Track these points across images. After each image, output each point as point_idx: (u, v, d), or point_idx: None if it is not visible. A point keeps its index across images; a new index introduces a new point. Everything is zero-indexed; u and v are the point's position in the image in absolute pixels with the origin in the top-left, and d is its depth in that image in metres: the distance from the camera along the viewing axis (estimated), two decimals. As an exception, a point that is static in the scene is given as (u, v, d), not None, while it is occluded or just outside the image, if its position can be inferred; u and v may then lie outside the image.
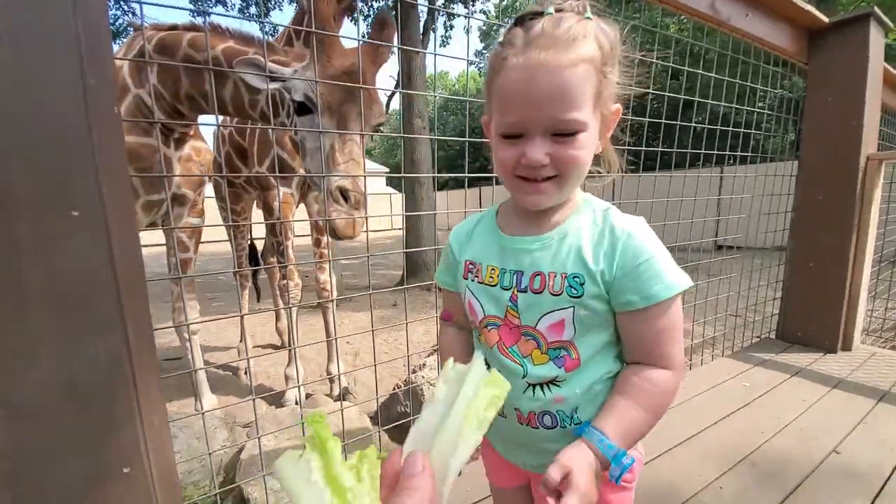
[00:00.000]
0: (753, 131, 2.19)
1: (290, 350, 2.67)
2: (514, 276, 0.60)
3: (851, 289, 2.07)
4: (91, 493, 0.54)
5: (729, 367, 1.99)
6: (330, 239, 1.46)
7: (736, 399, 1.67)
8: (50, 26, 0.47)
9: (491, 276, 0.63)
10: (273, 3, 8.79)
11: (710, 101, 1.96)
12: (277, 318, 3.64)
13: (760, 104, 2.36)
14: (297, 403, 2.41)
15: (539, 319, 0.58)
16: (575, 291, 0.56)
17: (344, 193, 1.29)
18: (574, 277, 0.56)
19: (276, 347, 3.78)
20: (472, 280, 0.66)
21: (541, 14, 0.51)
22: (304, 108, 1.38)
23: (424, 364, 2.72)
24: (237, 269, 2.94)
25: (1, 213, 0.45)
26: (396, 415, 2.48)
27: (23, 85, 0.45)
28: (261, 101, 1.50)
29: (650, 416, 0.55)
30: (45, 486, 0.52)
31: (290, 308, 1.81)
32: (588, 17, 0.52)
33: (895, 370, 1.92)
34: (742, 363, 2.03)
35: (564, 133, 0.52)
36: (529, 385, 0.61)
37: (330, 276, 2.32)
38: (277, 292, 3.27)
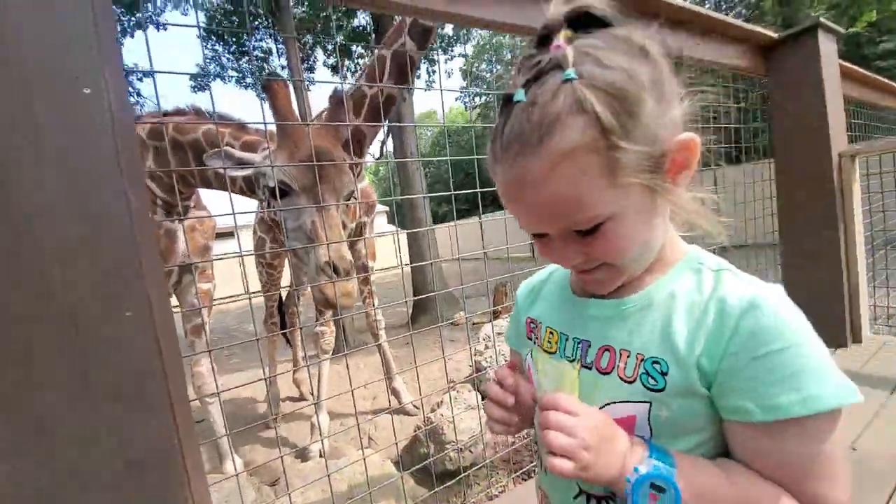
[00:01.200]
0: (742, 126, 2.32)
1: (316, 398, 2.77)
2: (580, 346, 0.48)
3: (850, 281, 2.11)
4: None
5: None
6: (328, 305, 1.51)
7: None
8: (97, 149, 0.58)
9: (549, 342, 0.52)
10: (267, 69, 9.38)
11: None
12: (296, 370, 3.69)
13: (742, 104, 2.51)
14: (321, 456, 2.44)
15: (602, 408, 0.44)
16: (654, 382, 0.42)
17: (334, 267, 1.37)
18: (654, 363, 0.42)
19: (294, 399, 3.80)
20: (534, 342, 0.56)
21: (511, 101, 0.41)
22: (281, 192, 1.48)
23: (442, 402, 2.74)
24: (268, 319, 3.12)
25: (70, 322, 0.55)
26: (420, 456, 2.48)
27: (78, 207, 0.56)
28: (238, 181, 1.63)
29: None
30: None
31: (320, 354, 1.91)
32: (568, 78, 0.37)
33: (908, 357, 1.94)
34: (754, 367, 2.05)
35: (584, 231, 0.41)
36: (582, 493, 0.47)
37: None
38: (298, 342, 3.39)
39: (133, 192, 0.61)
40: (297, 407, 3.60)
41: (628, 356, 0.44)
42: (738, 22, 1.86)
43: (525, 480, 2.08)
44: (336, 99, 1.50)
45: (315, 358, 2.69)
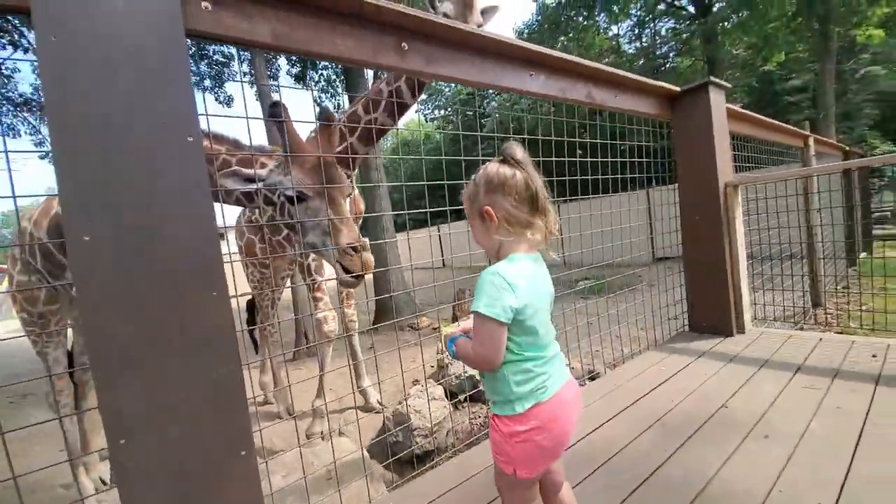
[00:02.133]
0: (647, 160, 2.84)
1: (320, 383, 3.06)
2: None
3: (734, 284, 2.66)
4: (222, 469, 0.87)
5: (652, 357, 2.48)
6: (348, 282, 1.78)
7: (655, 380, 2.13)
8: (199, 179, 0.85)
9: None
10: (227, 74, 9.28)
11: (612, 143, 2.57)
12: (262, 372, 3.80)
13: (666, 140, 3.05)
14: (322, 438, 2.71)
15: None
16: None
17: (353, 248, 1.65)
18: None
19: (259, 403, 3.90)
20: None
21: None
22: (298, 199, 1.75)
23: (409, 395, 3.03)
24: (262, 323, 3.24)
25: (174, 291, 0.82)
26: (390, 445, 2.74)
27: (189, 221, 0.83)
28: (235, 194, 1.87)
29: (462, 355, 0.94)
30: (194, 462, 0.84)
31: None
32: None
33: (776, 343, 2.49)
34: (662, 353, 2.53)
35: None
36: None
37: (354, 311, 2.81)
38: (268, 345, 3.55)
39: (211, 209, 0.89)
40: (263, 409, 3.72)
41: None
42: (648, 80, 2.36)
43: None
44: (327, 117, 1.79)
45: (306, 353, 2.92)
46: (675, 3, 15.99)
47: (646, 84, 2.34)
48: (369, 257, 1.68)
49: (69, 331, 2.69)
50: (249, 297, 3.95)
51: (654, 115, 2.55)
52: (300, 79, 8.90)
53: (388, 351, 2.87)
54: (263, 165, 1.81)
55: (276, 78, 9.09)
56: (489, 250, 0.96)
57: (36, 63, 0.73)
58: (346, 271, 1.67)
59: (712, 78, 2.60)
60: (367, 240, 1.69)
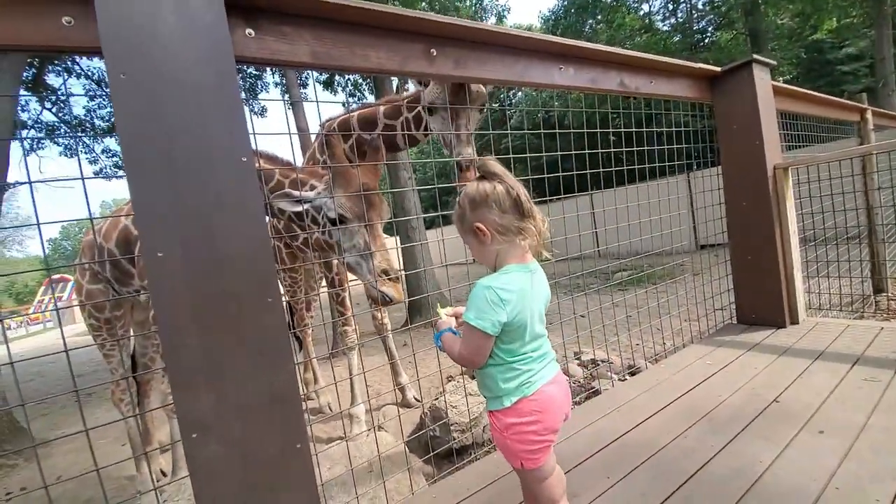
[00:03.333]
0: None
1: (352, 388, 3.16)
2: None
3: (786, 272, 2.52)
4: (281, 460, 0.94)
5: (697, 351, 2.40)
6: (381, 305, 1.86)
7: (700, 375, 2.06)
8: (253, 196, 0.91)
9: None
10: (260, 86, 9.65)
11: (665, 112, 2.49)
12: (305, 369, 3.97)
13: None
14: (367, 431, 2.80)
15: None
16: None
17: (387, 274, 1.74)
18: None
19: (302, 399, 4.09)
20: None
21: None
22: (336, 221, 1.83)
23: (445, 390, 3.08)
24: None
25: (235, 299, 0.88)
26: (427, 440, 2.81)
27: (245, 233, 0.90)
28: (287, 213, 1.96)
29: (447, 349, 1.02)
30: (257, 454, 0.91)
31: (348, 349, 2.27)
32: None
33: (832, 334, 2.35)
34: (708, 346, 2.44)
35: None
36: None
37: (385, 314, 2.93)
38: (309, 344, 3.72)
39: (264, 223, 0.95)
40: (306, 406, 3.90)
41: None
42: (684, 62, 2.26)
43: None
44: (374, 147, 1.87)
45: (342, 352, 3.09)
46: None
47: (681, 66, 2.25)
48: (399, 288, 1.76)
49: (132, 333, 2.93)
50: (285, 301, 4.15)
51: (694, 97, 2.45)
52: (328, 84, 9.12)
53: (424, 350, 2.93)
54: (313, 187, 1.90)
55: (305, 86, 9.37)
56: (487, 263, 1.01)
57: (88, 87, 0.81)
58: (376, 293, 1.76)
59: (756, 56, 2.45)
60: (401, 271, 1.76)
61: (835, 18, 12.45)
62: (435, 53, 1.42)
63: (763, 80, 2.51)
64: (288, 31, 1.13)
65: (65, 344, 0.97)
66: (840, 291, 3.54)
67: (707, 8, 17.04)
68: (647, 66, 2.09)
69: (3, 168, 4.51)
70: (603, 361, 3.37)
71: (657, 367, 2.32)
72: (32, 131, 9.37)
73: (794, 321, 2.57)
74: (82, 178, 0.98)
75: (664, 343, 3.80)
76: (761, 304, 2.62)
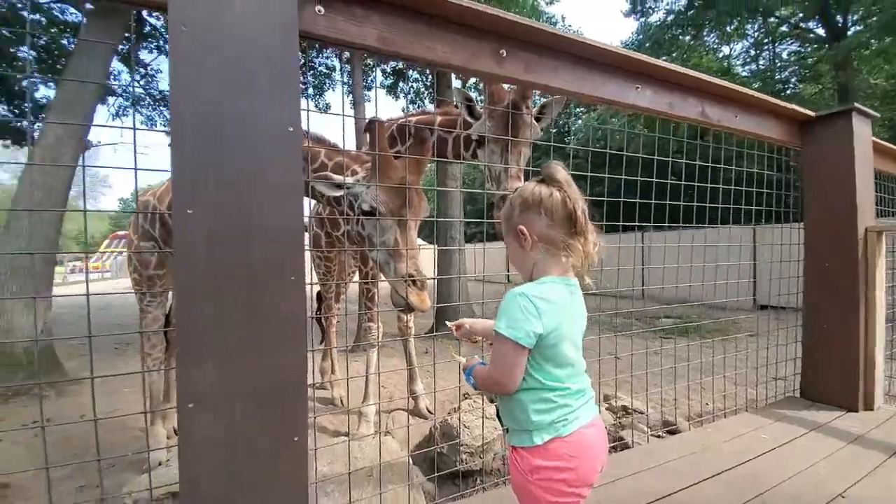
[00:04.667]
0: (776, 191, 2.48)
1: (366, 386, 3.09)
2: None
3: (867, 349, 2.19)
4: (274, 450, 0.86)
5: (751, 421, 2.12)
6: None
7: (754, 448, 1.81)
8: (296, 170, 0.86)
9: None
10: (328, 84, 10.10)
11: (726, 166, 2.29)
12: (324, 357, 3.96)
13: (786, 165, 2.65)
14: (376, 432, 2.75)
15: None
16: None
17: (413, 280, 1.62)
18: None
19: (316, 387, 4.06)
20: None
21: None
22: (369, 213, 1.75)
23: (459, 408, 2.93)
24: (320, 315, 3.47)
25: (255, 276, 0.83)
26: (433, 455, 2.67)
27: (275, 212, 0.84)
28: (327, 196, 1.94)
29: (479, 380, 0.92)
30: (250, 439, 0.84)
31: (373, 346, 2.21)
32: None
33: (917, 430, 2.00)
34: (764, 418, 2.15)
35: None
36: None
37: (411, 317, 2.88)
38: (332, 334, 3.72)
39: (301, 198, 0.89)
40: (316, 393, 3.88)
41: None
42: (776, 101, 2.06)
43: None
44: (421, 139, 1.81)
45: (362, 347, 3.04)
46: (801, 24, 14.26)
47: (772, 104, 2.05)
48: (424, 296, 1.65)
49: (170, 293, 3.03)
50: (318, 288, 4.18)
51: (780, 140, 2.22)
52: (392, 89, 9.39)
53: (447, 362, 2.81)
54: (354, 173, 1.87)
55: (369, 88, 9.71)
56: (523, 271, 0.93)
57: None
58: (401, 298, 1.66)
59: (857, 105, 2.20)
60: (433, 277, 1.68)
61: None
62: (504, 54, 1.34)
63: (862, 133, 2.25)
64: (358, 12, 1.09)
65: (87, 288, 0.96)
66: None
67: (793, 58, 16.09)
68: (734, 98, 1.92)
69: (84, 129, 4.90)
70: (636, 411, 3.09)
71: (702, 429, 2.07)
72: (120, 99, 10.27)
73: (869, 407, 2.22)
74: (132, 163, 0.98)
75: (708, 403, 3.45)
76: (832, 380, 2.30)
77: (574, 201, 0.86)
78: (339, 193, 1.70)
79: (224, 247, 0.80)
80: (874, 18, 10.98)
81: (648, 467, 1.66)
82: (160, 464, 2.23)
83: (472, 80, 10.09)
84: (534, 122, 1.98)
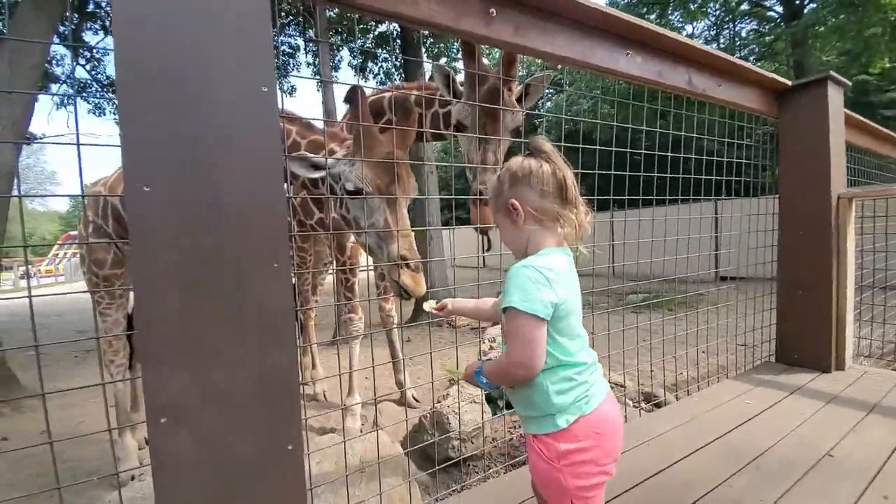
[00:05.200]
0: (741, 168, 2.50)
1: (350, 380, 2.99)
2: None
3: (838, 313, 2.28)
4: (266, 463, 0.76)
5: (733, 387, 2.18)
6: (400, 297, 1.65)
7: (741, 414, 1.85)
8: (261, 135, 0.74)
9: None
10: (292, 65, 9.57)
11: (698, 137, 2.27)
12: (303, 353, 3.82)
13: (747, 140, 2.66)
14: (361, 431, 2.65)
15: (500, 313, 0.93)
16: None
17: (406, 261, 1.51)
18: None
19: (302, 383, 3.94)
20: None
21: None
22: (355, 193, 1.60)
23: (448, 395, 2.89)
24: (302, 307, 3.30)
25: (230, 264, 0.71)
26: (422, 443, 2.62)
27: (252, 187, 0.72)
28: (302, 179, 1.78)
29: (494, 376, 0.86)
30: (238, 453, 0.74)
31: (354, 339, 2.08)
32: None
33: (885, 385, 2.11)
34: (745, 384, 2.21)
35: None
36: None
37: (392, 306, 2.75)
38: (311, 328, 3.57)
39: (280, 170, 0.77)
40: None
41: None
42: (756, 67, 2.05)
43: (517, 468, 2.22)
44: (406, 110, 1.63)
45: (344, 343, 2.90)
46: (762, 3, 14.67)
47: (754, 72, 2.04)
48: (420, 278, 1.54)
49: (131, 295, 2.80)
50: (294, 280, 4.00)
51: (759, 110, 2.23)
52: (361, 69, 9.02)
53: (430, 347, 2.75)
54: (332, 152, 1.71)
55: (337, 69, 9.29)
56: (517, 248, 0.90)
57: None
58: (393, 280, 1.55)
59: (832, 73, 2.23)
60: (420, 260, 1.55)
61: (886, 59, 11.96)
62: (494, 14, 1.24)
63: (836, 101, 2.29)
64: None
65: (29, 290, 0.81)
66: (883, 339, 3.27)
67: (752, 36, 16.59)
68: (719, 67, 1.89)
69: (25, 119, 4.42)
70: (617, 385, 3.15)
71: (689, 400, 2.10)
72: (64, 87, 9.40)
73: (840, 367, 2.33)
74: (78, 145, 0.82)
75: (682, 373, 3.56)
76: (806, 344, 2.39)
77: (563, 171, 0.85)
78: (317, 175, 1.54)
79: (190, 229, 0.67)
80: (825, -1, 11.42)
81: (643, 441, 1.66)
82: (133, 478, 2.07)
83: (445, 59, 9.82)
84: (516, 105, 1.86)
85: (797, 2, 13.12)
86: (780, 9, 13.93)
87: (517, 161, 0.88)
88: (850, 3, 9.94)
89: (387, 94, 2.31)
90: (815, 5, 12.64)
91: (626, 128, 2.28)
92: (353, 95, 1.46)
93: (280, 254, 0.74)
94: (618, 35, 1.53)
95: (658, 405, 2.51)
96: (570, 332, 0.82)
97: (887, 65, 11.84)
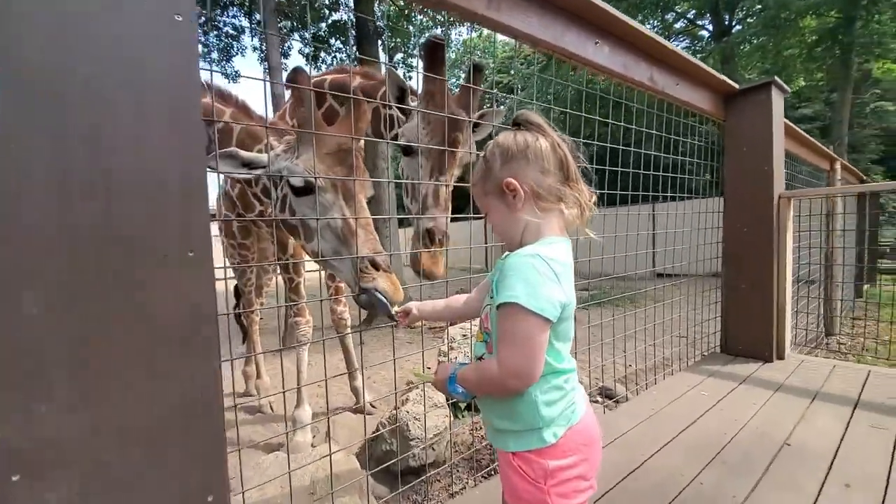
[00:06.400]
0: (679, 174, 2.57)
1: (298, 390, 2.70)
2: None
3: (778, 306, 2.41)
4: (182, 515, 0.58)
5: (687, 379, 2.22)
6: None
7: (699, 406, 1.87)
8: (174, 78, 0.56)
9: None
10: (236, 49, 8.89)
11: (637, 150, 2.30)
12: (247, 362, 3.49)
13: (682, 150, 2.74)
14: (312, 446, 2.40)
15: (482, 309, 0.80)
16: (492, 293, 0.73)
17: (374, 263, 1.24)
18: (493, 282, 0.74)
19: (239, 395, 3.59)
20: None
21: None
22: (303, 191, 1.32)
23: (408, 399, 2.73)
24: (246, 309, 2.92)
25: (126, 248, 0.53)
26: (381, 454, 2.45)
27: (160, 145, 0.54)
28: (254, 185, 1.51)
29: (475, 385, 0.74)
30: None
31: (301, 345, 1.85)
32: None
33: (821, 373, 2.25)
34: (697, 375, 2.27)
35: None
36: (475, 359, 0.80)
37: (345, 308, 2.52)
38: (255, 334, 3.26)
39: (200, 127, 0.60)
40: (241, 402, 3.41)
41: (494, 279, 0.74)
42: (712, 71, 2.10)
43: (485, 479, 2.13)
44: (356, 102, 1.41)
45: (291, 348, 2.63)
46: (696, 22, 15.88)
47: (708, 74, 2.09)
48: (395, 281, 1.25)
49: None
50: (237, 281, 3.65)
51: (709, 111, 2.30)
52: (313, 59, 8.58)
53: (385, 350, 2.58)
54: (271, 148, 1.43)
55: (287, 56, 8.76)
56: (511, 237, 0.77)
57: None
58: (362, 291, 1.23)
59: (776, 78, 2.35)
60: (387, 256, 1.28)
61: (802, 79, 13.37)
62: (465, -17, 1.12)
63: (778, 105, 2.42)
64: None
65: None
66: (807, 328, 3.57)
67: (687, 50, 17.93)
68: (678, 67, 1.91)
69: None
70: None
71: (648, 394, 2.11)
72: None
73: (781, 356, 2.47)
74: None
75: (631, 365, 3.66)
76: (749, 336, 2.51)
77: (561, 145, 0.74)
78: (249, 175, 1.26)
79: (66, 200, 0.48)
80: (754, 18, 12.56)
81: (609, 441, 1.62)
82: None
83: (403, 71, 9.57)
84: (471, 134, 1.62)
85: (726, 22, 14.32)
86: (710, 27, 15.15)
87: (508, 136, 0.76)
88: (773, 25, 10.98)
89: (328, 77, 2.07)
90: (740, 27, 13.90)
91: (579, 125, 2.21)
92: (297, 77, 1.25)
93: (198, 239, 0.57)
94: (588, 21, 1.47)
95: (617, 401, 2.52)
96: (566, 336, 0.72)
97: (802, 83, 13.25)
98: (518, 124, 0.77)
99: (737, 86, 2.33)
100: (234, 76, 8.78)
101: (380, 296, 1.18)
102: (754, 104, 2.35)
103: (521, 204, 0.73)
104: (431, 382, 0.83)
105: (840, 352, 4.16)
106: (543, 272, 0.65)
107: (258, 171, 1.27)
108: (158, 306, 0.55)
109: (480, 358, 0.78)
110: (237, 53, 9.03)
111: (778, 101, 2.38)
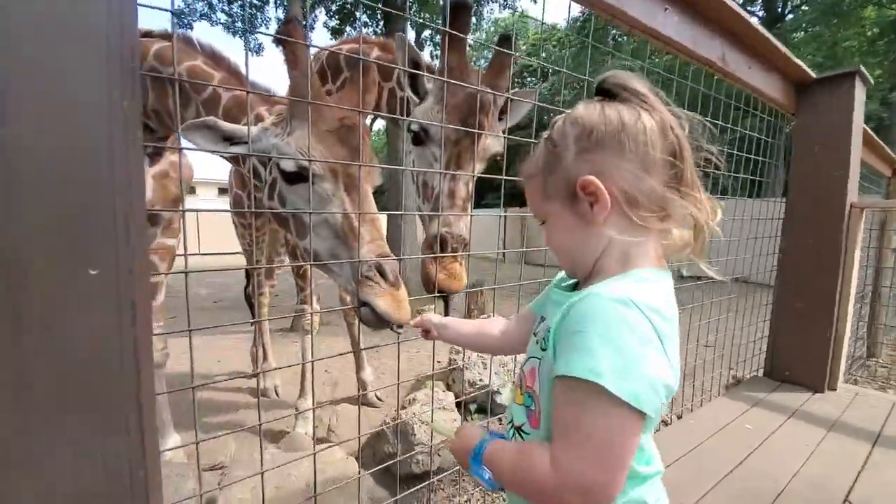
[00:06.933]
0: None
1: (302, 380, 2.63)
2: (540, 321, 0.62)
3: (836, 332, 2.13)
4: None
5: (728, 407, 1.98)
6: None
7: (743, 443, 1.65)
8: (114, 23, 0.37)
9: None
10: (260, 20, 8.68)
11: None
12: (254, 343, 3.42)
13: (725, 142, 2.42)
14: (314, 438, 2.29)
15: (526, 361, 0.59)
16: (545, 343, 0.51)
17: (382, 273, 1.01)
18: (550, 330, 0.50)
19: (246, 375, 3.52)
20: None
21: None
22: (295, 178, 1.08)
23: (415, 399, 2.58)
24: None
25: (4, 280, 0.34)
26: (383, 455, 2.31)
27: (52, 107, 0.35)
28: (242, 163, 1.33)
29: (510, 477, 0.52)
30: None
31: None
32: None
33: (881, 410, 1.98)
34: (740, 403, 2.02)
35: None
36: (513, 427, 0.59)
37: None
38: (264, 315, 3.17)
39: (125, 86, 0.40)
40: (250, 384, 3.34)
41: (546, 324, 0.54)
42: (785, 49, 1.78)
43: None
44: (366, 66, 1.12)
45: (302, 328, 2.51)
46: (747, 7, 14.83)
47: (785, 58, 1.79)
48: (401, 297, 1.02)
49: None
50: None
51: (778, 102, 1.99)
52: (338, 33, 8.29)
53: (388, 344, 2.43)
54: (259, 120, 1.21)
55: (312, 29, 8.51)
56: (581, 263, 0.54)
57: None
58: (363, 303, 1.02)
59: (861, 67, 2.01)
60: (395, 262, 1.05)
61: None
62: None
63: (861, 100, 2.08)
64: None
65: None
66: (854, 354, 3.25)
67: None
68: (754, 45, 1.61)
69: None
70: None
71: (683, 422, 1.88)
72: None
73: (832, 387, 2.19)
74: None
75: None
76: (800, 362, 2.23)
77: (675, 128, 0.48)
78: (229, 152, 1.02)
79: None
80: (810, 5, 11.61)
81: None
82: None
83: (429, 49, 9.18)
84: (498, 145, 1.39)
85: (779, 9, 13.32)
86: (762, 14, 14.12)
87: (591, 109, 0.51)
88: (831, 13, 10.11)
89: (344, 47, 1.84)
90: (792, 16, 12.89)
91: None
92: (289, 30, 0.97)
93: (102, 253, 0.38)
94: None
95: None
96: (653, 425, 0.51)
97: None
98: (606, 91, 0.52)
99: (813, 74, 2.00)
100: (258, 49, 8.59)
101: (381, 315, 0.97)
102: (833, 98, 2.02)
103: (603, 215, 0.49)
104: (449, 449, 0.61)
105: (885, 377, 3.83)
106: (643, 333, 0.43)
107: (237, 149, 1.02)
108: (42, 361, 0.36)
109: (520, 430, 0.56)
110: (262, 25, 8.81)
111: (860, 96, 2.04)
